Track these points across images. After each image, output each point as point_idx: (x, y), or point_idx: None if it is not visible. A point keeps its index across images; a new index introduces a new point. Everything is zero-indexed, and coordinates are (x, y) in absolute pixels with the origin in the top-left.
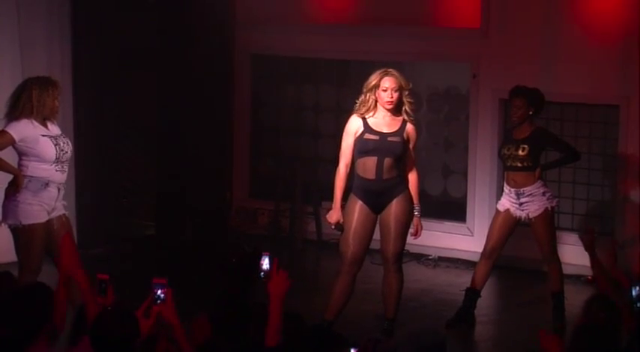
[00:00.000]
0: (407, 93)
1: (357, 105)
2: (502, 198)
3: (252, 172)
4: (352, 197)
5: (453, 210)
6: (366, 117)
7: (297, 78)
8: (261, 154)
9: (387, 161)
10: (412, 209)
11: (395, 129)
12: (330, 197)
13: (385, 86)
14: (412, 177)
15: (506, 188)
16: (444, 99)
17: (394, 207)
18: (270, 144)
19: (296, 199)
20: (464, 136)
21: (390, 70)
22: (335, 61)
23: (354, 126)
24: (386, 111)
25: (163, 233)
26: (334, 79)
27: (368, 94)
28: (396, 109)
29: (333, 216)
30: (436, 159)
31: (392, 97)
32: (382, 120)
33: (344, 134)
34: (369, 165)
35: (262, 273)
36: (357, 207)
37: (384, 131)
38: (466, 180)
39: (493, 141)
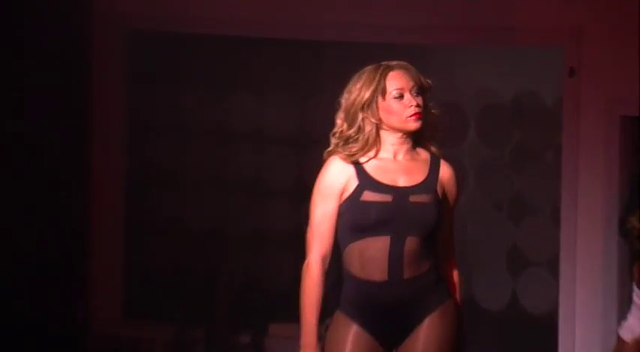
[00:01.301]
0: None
1: (337, 138)
2: (629, 317)
3: (129, 269)
4: (340, 317)
5: (530, 337)
6: (361, 160)
7: (213, 77)
8: (145, 231)
9: (411, 243)
10: (460, 338)
11: (420, 177)
12: (285, 317)
13: (398, 87)
14: (452, 272)
15: (636, 295)
16: (510, 118)
17: (425, 336)
18: (164, 209)
19: (217, 321)
20: (550, 191)
21: (394, 62)
22: (286, 43)
23: (337, 178)
24: (401, 142)
25: None
26: (288, 81)
27: (360, 115)
28: (418, 136)
29: None
30: (497, 236)
31: (417, 105)
32: (393, 164)
33: (315, 195)
34: (374, 254)
35: None
36: (351, 336)
37: (401, 184)
38: (556, 279)
39: (608, 201)
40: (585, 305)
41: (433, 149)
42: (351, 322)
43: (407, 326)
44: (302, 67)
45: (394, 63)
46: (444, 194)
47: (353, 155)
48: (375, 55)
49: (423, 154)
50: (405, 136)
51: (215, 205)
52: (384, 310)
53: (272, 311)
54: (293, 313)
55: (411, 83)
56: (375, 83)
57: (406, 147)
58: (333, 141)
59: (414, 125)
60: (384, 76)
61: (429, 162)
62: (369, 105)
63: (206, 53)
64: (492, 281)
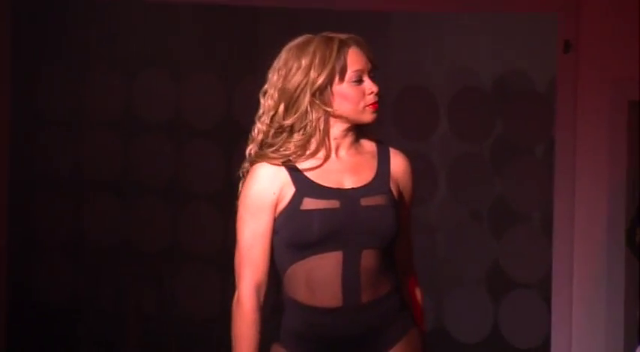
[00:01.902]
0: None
1: (267, 125)
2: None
3: (13, 301)
4: None
5: None
6: (298, 163)
7: (116, 51)
8: (34, 249)
9: (369, 257)
10: None
11: (369, 175)
12: None
13: (357, 68)
14: (413, 293)
15: None
16: (491, 104)
17: None
18: (57, 220)
19: None
20: (540, 196)
21: (343, 35)
22: (210, 9)
23: (267, 187)
24: (344, 135)
25: None
26: (213, 56)
27: (307, 99)
28: (361, 126)
29: None
30: (474, 252)
31: (377, 92)
32: (336, 162)
33: (242, 212)
34: (324, 275)
35: None
36: None
37: (348, 185)
38: (547, 305)
39: (612, 207)
40: (584, 337)
41: (376, 137)
42: None
43: None
44: (230, 40)
45: (345, 36)
46: (400, 192)
47: (288, 156)
48: (320, 25)
49: (368, 146)
50: (350, 128)
51: (122, 214)
52: (336, 343)
53: (195, 347)
54: (222, 350)
55: (369, 64)
56: (331, 62)
57: (349, 140)
58: (259, 126)
59: (371, 116)
60: (344, 54)
61: (376, 155)
62: (322, 89)
63: (107, 20)
64: (469, 307)
